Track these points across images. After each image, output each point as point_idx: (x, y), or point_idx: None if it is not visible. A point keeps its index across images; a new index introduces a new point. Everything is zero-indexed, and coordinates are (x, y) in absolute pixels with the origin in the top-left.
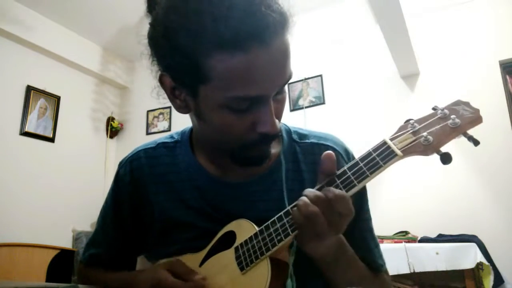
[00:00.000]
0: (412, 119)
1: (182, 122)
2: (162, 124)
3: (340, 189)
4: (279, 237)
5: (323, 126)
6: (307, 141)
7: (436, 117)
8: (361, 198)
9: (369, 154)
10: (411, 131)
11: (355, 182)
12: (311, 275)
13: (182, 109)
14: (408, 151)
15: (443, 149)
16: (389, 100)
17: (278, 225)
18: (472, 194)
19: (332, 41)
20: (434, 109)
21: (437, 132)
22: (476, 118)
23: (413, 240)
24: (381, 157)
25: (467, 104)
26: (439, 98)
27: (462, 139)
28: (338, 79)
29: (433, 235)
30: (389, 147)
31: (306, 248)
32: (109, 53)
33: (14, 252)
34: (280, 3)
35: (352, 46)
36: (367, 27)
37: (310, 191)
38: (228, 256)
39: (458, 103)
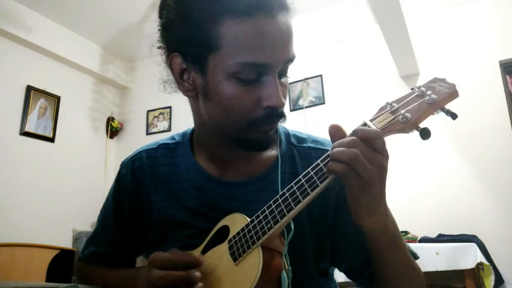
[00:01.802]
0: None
1: (182, 122)
2: (162, 124)
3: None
4: (269, 225)
5: (323, 126)
6: (304, 145)
7: (414, 95)
8: None
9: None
10: (390, 110)
11: None
12: (304, 265)
13: (189, 92)
14: (387, 129)
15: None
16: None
17: (267, 212)
18: (472, 194)
19: (332, 41)
20: (412, 88)
21: (415, 109)
22: (452, 93)
23: (413, 240)
24: None
25: (443, 80)
26: None
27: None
28: (338, 79)
29: (433, 235)
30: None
31: (361, 220)
32: (109, 53)
33: (14, 252)
34: None
35: (352, 46)
36: (367, 27)
37: (338, 141)
38: (222, 249)
39: (434, 80)
